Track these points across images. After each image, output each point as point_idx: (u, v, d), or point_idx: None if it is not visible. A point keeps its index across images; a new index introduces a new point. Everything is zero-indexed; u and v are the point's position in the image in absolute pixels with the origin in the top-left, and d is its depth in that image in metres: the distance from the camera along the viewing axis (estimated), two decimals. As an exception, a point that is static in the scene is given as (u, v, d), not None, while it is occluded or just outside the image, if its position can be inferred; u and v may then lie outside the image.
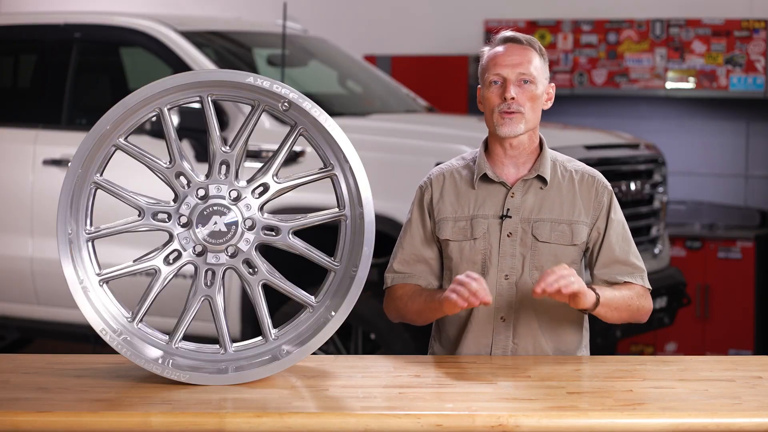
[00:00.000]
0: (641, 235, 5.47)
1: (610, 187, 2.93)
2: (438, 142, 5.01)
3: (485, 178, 2.88)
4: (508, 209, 2.86)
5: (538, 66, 2.86)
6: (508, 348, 2.86)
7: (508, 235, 2.85)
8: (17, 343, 6.85)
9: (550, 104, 2.91)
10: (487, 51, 2.90)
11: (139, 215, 2.59)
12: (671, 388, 2.50)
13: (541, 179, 2.87)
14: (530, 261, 2.85)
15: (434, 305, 2.81)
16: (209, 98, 2.57)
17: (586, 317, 2.94)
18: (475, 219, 2.87)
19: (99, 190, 2.59)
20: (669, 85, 7.12)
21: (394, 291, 2.94)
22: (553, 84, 2.93)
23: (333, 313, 2.59)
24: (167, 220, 2.59)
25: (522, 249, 2.85)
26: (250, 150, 2.78)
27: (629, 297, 2.84)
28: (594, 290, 2.75)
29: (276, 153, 2.60)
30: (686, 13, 7.16)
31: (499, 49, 2.87)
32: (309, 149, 4.82)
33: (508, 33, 2.88)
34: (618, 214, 2.91)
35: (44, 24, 5.84)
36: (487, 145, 2.93)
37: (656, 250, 5.54)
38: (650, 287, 2.92)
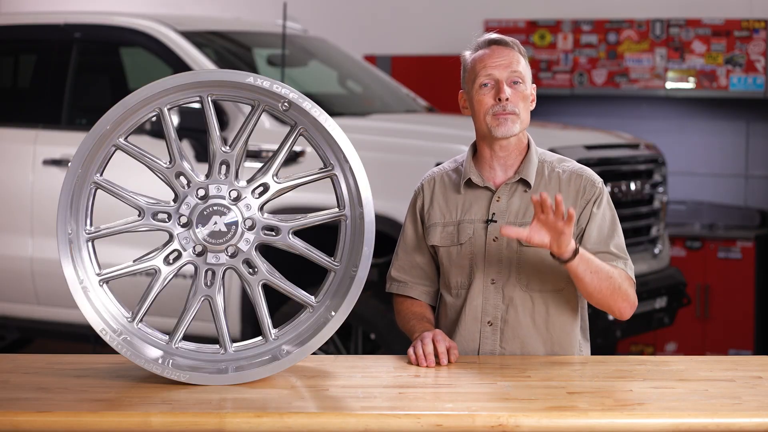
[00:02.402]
0: (641, 235, 5.47)
1: (600, 184, 2.87)
2: (438, 142, 5.01)
3: (471, 182, 2.87)
4: (494, 213, 2.85)
5: (523, 65, 2.83)
6: (496, 353, 2.85)
7: (494, 240, 2.84)
8: (17, 343, 6.85)
9: (533, 105, 2.87)
10: (469, 54, 2.86)
11: (139, 215, 2.59)
12: (671, 388, 2.50)
13: (525, 182, 2.85)
14: (516, 265, 2.84)
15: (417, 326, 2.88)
16: (209, 98, 2.57)
17: (579, 320, 2.90)
18: (461, 224, 2.87)
19: (99, 190, 2.59)
20: (669, 85, 7.12)
21: (396, 303, 3.00)
22: (534, 85, 2.89)
23: (333, 313, 2.59)
24: (167, 220, 2.59)
25: (508, 253, 2.84)
26: (250, 150, 2.78)
27: (610, 270, 2.73)
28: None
29: (276, 153, 2.60)
30: (686, 13, 7.16)
31: (486, 51, 2.83)
32: (309, 149, 4.82)
33: (493, 35, 2.85)
34: (602, 208, 2.83)
35: (44, 24, 5.83)
36: (475, 149, 2.91)
37: (656, 250, 5.54)
38: (633, 279, 2.81)
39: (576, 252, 2.66)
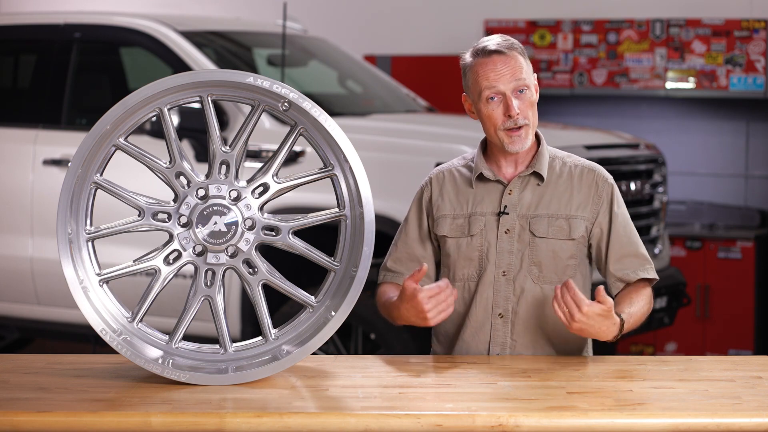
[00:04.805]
0: (641, 235, 5.44)
1: (612, 180, 2.91)
2: (438, 142, 5.01)
3: (482, 176, 2.88)
4: (506, 206, 2.86)
5: (525, 68, 2.81)
6: (507, 345, 2.85)
7: (505, 232, 2.85)
8: (17, 343, 6.85)
9: (537, 96, 2.86)
10: (469, 62, 2.82)
11: (139, 215, 2.59)
12: (671, 388, 2.50)
13: (538, 175, 2.87)
14: (528, 257, 2.85)
15: (397, 299, 2.77)
16: (209, 98, 2.57)
17: None
18: (473, 216, 2.88)
19: (99, 190, 2.59)
20: (669, 85, 7.12)
21: (379, 288, 2.96)
22: (535, 74, 2.87)
23: (333, 313, 2.59)
24: (167, 220, 2.59)
25: (520, 245, 2.85)
26: (250, 150, 2.78)
27: (646, 308, 2.83)
28: (618, 315, 2.71)
29: (276, 153, 2.60)
30: (686, 13, 7.16)
31: (485, 60, 2.79)
32: (309, 149, 4.82)
33: (491, 45, 2.79)
34: (621, 207, 2.91)
35: (44, 24, 5.83)
36: (485, 145, 2.93)
37: (656, 250, 5.54)
38: (656, 277, 2.92)
39: (621, 328, 2.72)
